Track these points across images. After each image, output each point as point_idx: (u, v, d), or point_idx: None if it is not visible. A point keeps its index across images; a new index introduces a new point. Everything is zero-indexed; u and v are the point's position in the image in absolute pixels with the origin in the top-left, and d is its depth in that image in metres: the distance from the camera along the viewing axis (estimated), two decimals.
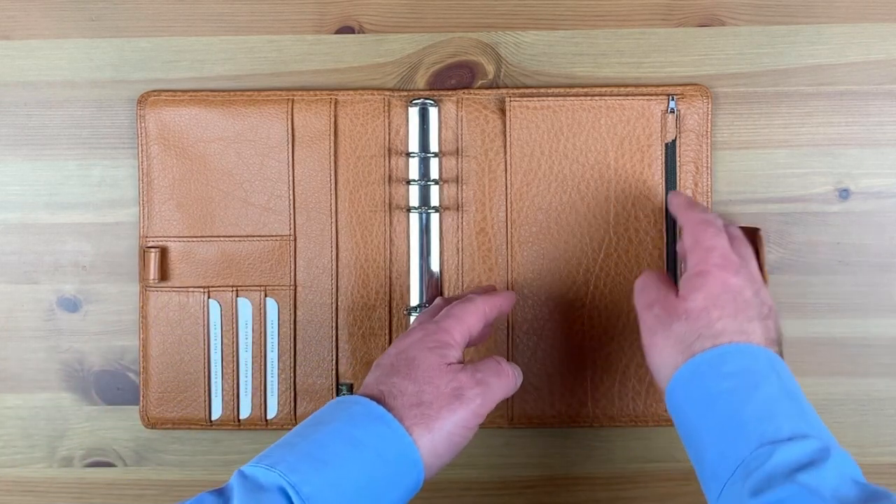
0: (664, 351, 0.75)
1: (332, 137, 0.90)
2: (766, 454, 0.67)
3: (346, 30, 0.91)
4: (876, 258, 0.90)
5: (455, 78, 0.91)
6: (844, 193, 0.90)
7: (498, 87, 0.91)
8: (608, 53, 0.91)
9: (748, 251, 0.79)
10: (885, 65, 0.90)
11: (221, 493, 0.67)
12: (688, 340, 0.74)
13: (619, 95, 0.89)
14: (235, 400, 0.90)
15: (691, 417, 0.73)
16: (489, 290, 0.87)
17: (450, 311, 0.78)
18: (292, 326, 0.90)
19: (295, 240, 0.90)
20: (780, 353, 0.74)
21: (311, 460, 0.68)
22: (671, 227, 0.88)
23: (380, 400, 0.72)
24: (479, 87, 0.91)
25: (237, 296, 0.90)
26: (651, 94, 0.89)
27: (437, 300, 0.84)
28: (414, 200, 0.89)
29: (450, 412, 0.72)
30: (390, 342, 0.90)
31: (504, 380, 0.77)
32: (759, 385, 0.70)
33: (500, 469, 0.92)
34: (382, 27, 0.91)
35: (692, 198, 0.87)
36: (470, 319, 0.78)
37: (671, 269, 0.88)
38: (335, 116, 0.90)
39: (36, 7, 0.92)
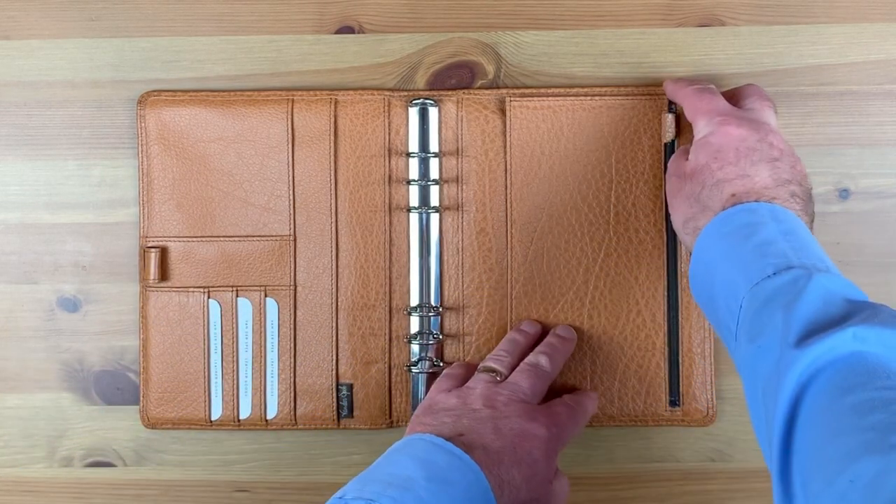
0: (678, 209, 0.80)
1: (332, 137, 0.89)
2: (752, 294, 0.69)
3: (345, 30, 0.91)
4: (876, 258, 0.90)
5: (455, 78, 0.91)
6: (844, 193, 0.90)
7: (498, 87, 0.91)
8: (608, 53, 0.91)
9: (760, 103, 0.81)
10: (885, 65, 0.90)
11: None
12: (694, 193, 0.77)
13: (619, 95, 0.89)
14: (235, 400, 0.90)
15: (704, 283, 0.76)
16: (556, 343, 0.88)
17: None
18: (292, 326, 0.90)
19: (295, 240, 0.90)
20: (802, 193, 0.76)
21: (400, 489, 0.69)
22: (671, 228, 0.88)
23: (491, 483, 0.73)
24: (479, 87, 0.91)
25: (237, 296, 0.90)
26: (651, 94, 0.89)
27: (519, 377, 0.83)
28: (414, 200, 0.89)
29: (520, 465, 0.75)
30: (390, 342, 0.90)
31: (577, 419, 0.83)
32: (754, 234, 0.72)
33: None
34: (382, 27, 0.91)
35: (682, 78, 0.88)
36: (541, 381, 0.83)
37: (671, 270, 0.88)
38: (335, 116, 0.90)
39: (36, 7, 0.92)
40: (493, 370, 0.83)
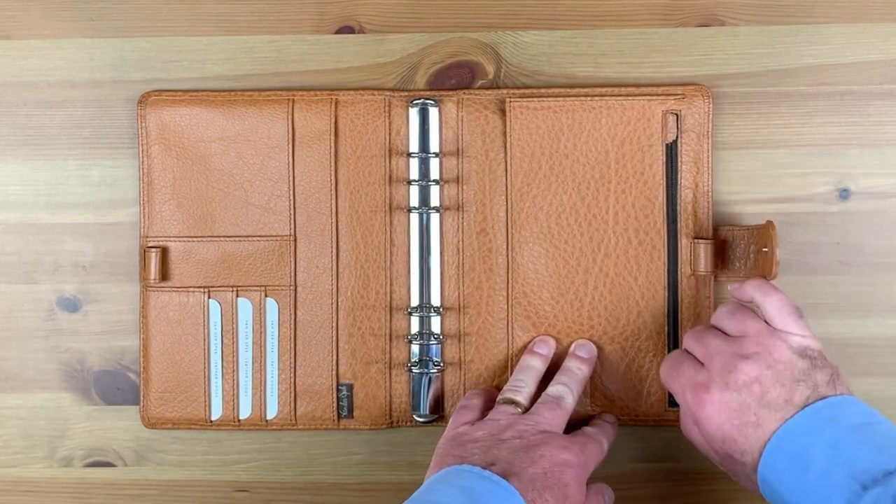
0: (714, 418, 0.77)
1: (333, 137, 0.89)
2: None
3: (345, 30, 0.91)
4: (876, 258, 0.90)
5: (455, 78, 0.91)
6: (844, 193, 0.90)
7: (498, 88, 0.91)
8: (608, 53, 0.91)
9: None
10: (885, 65, 0.90)
11: None
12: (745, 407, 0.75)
13: (620, 96, 0.89)
14: (235, 400, 0.90)
15: (784, 484, 0.73)
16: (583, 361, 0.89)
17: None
18: (292, 326, 0.90)
19: (295, 240, 0.90)
20: (809, 368, 0.75)
21: None
22: (671, 228, 0.88)
23: None
24: (479, 88, 0.91)
25: (237, 296, 0.90)
26: (652, 95, 0.89)
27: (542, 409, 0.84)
28: (414, 201, 0.89)
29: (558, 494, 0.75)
30: (390, 342, 0.90)
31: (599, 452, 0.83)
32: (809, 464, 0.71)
33: None
34: (382, 27, 0.91)
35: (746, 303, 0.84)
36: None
37: (671, 270, 0.88)
38: (336, 116, 0.90)
39: (36, 7, 0.92)
40: (513, 402, 0.83)
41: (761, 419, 0.74)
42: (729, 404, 0.75)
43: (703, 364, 0.78)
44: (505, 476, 0.74)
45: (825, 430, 0.71)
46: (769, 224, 0.82)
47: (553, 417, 0.82)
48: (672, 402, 0.89)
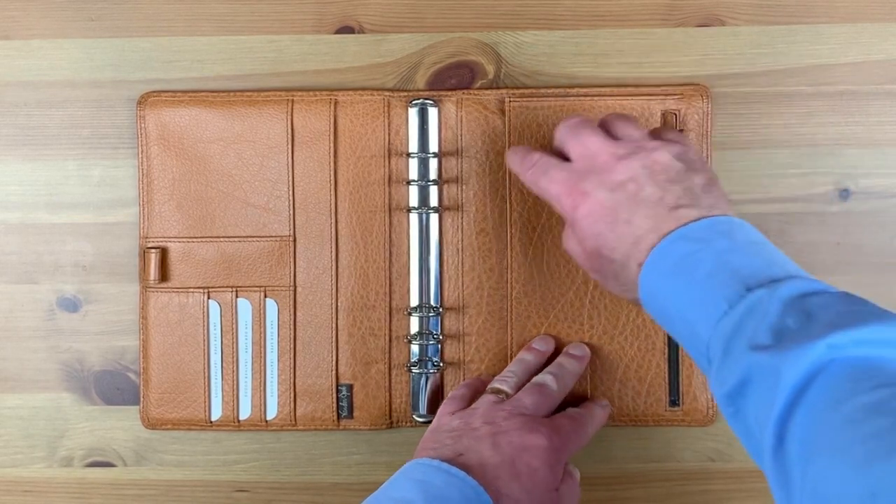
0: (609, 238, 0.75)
1: (332, 138, 0.89)
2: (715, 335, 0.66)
3: (345, 30, 0.91)
4: (876, 258, 0.90)
5: (455, 78, 0.91)
6: (844, 193, 0.90)
7: (498, 88, 0.91)
8: (608, 53, 0.91)
9: (621, 123, 0.78)
10: (885, 65, 0.90)
11: None
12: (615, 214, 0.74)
13: (619, 95, 0.89)
14: (235, 400, 0.90)
15: (668, 287, 0.71)
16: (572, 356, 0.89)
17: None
18: (292, 327, 0.90)
19: (294, 240, 0.90)
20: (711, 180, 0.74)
21: None
22: None
23: (491, 496, 0.74)
24: (480, 88, 0.91)
25: (237, 296, 0.90)
26: (651, 94, 0.89)
27: (525, 397, 0.83)
28: (414, 201, 0.89)
29: (518, 481, 0.76)
30: (390, 343, 0.90)
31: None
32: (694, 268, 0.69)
33: None
34: (382, 27, 0.91)
35: (516, 149, 0.84)
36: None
37: None
38: (335, 117, 0.90)
39: (36, 7, 0.92)
40: (498, 391, 0.83)
41: (632, 216, 0.72)
42: (604, 203, 0.74)
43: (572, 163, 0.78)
44: (468, 467, 0.74)
45: (718, 240, 0.69)
46: None
47: (533, 402, 0.81)
48: (672, 403, 0.89)
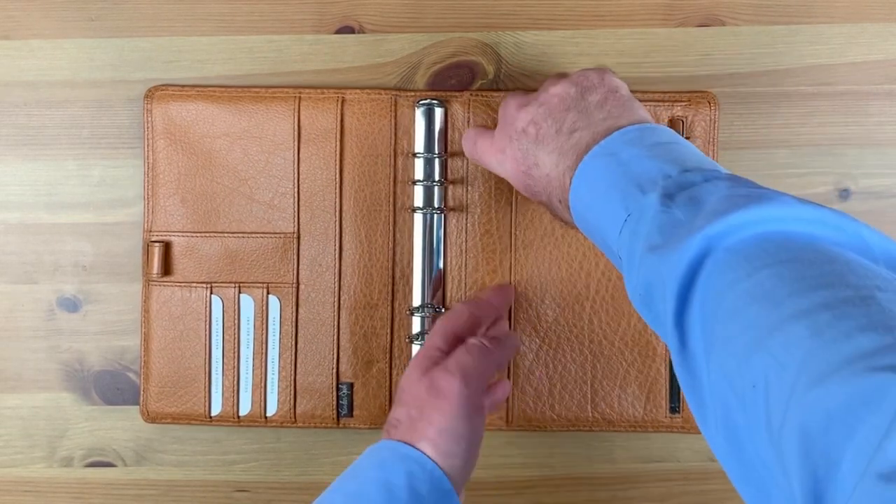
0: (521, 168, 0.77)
1: (339, 136, 0.90)
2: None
3: (345, 30, 0.91)
4: None
5: (455, 78, 0.91)
6: (844, 193, 0.90)
7: (498, 88, 0.91)
8: (608, 53, 0.91)
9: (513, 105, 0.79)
10: (885, 65, 0.90)
11: None
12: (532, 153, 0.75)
13: None
14: (235, 396, 0.90)
15: (594, 190, 0.70)
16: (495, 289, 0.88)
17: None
18: (294, 324, 0.90)
19: (298, 237, 0.90)
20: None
21: None
22: None
23: (417, 448, 0.74)
24: (480, 88, 0.91)
25: (240, 292, 0.90)
26: (658, 100, 0.89)
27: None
28: (419, 201, 0.89)
29: (435, 412, 0.74)
30: (392, 342, 0.90)
31: (474, 352, 0.78)
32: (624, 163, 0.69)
33: (500, 469, 0.92)
34: (382, 27, 0.91)
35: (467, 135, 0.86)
36: (453, 324, 0.80)
37: None
38: (342, 115, 0.90)
39: (36, 7, 0.92)
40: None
41: (538, 158, 0.74)
42: (515, 154, 0.76)
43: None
44: (391, 432, 0.76)
45: (626, 149, 0.69)
46: None
47: (438, 326, 0.81)
48: (672, 409, 0.89)
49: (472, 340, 0.79)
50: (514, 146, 0.76)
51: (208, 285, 0.90)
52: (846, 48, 0.90)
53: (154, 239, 0.90)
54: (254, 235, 0.90)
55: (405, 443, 0.74)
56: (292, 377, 0.90)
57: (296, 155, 0.90)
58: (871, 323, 0.48)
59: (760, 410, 0.51)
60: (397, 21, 0.92)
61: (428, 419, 0.74)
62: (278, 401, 0.90)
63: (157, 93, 0.90)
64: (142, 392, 0.91)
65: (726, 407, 0.55)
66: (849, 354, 0.47)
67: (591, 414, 0.89)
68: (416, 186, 0.89)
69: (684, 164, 0.66)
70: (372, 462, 0.74)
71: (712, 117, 0.89)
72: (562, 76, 0.77)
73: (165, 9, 0.92)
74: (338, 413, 0.90)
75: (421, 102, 0.89)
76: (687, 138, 0.88)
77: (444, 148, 0.90)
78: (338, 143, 0.90)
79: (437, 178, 0.89)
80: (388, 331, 0.90)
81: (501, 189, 0.89)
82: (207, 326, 0.90)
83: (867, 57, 0.90)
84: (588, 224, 0.71)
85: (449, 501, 0.73)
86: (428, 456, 0.73)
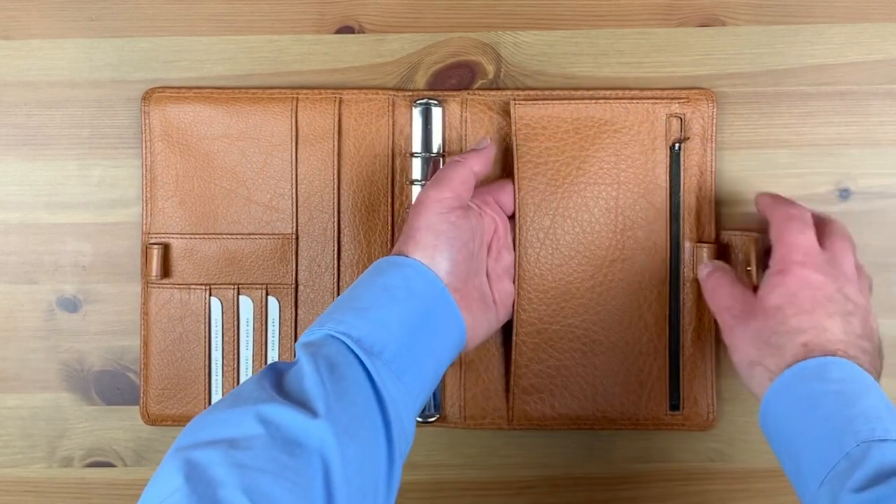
0: (741, 350, 0.78)
1: (337, 136, 0.89)
2: (871, 451, 0.67)
3: (345, 30, 0.91)
4: (876, 258, 0.90)
5: (455, 78, 0.91)
6: (844, 193, 0.90)
7: (498, 88, 0.91)
8: (608, 53, 0.91)
9: (842, 245, 0.80)
10: (885, 65, 0.90)
11: (291, 363, 0.72)
12: (763, 337, 0.76)
13: (625, 99, 0.89)
14: None
15: (789, 420, 0.73)
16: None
17: (438, 177, 0.81)
18: (293, 325, 0.90)
19: (297, 238, 0.90)
20: (872, 349, 0.75)
21: (352, 311, 0.74)
22: (674, 232, 0.88)
23: (426, 264, 0.77)
24: (479, 88, 0.91)
25: (239, 294, 0.90)
26: (656, 98, 0.89)
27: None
28: None
29: (415, 216, 0.79)
30: None
31: (452, 163, 0.83)
32: (865, 392, 0.71)
33: (500, 469, 0.92)
34: (382, 27, 0.91)
35: (778, 194, 0.85)
36: (457, 176, 0.81)
37: (674, 274, 0.88)
38: (339, 115, 0.90)
39: (36, 7, 0.92)
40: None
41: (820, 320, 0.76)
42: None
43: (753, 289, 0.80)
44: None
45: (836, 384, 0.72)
46: (750, 240, 0.83)
47: (448, 178, 0.82)
48: (673, 407, 0.89)
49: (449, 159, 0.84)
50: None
51: (207, 287, 0.90)
52: (846, 48, 0.90)
53: (153, 241, 0.90)
54: (252, 237, 0.90)
55: (397, 254, 0.78)
56: None
57: (294, 156, 0.90)
58: None
59: None
60: (397, 21, 0.91)
61: (409, 224, 0.79)
62: None
63: (154, 94, 0.90)
64: (142, 394, 0.91)
65: None
66: None
67: (591, 412, 0.89)
68: (414, 186, 0.89)
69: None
70: (370, 273, 0.77)
71: (710, 115, 0.89)
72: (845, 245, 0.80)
73: (165, 9, 0.92)
74: None
75: (418, 102, 0.89)
76: (686, 137, 0.88)
77: (442, 147, 0.90)
78: (336, 143, 0.90)
79: None
80: None
81: None
82: (207, 328, 0.90)
83: (867, 57, 0.90)
84: (781, 424, 0.74)
85: (443, 297, 0.77)
86: (418, 259, 0.77)
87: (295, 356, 0.72)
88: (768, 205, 0.83)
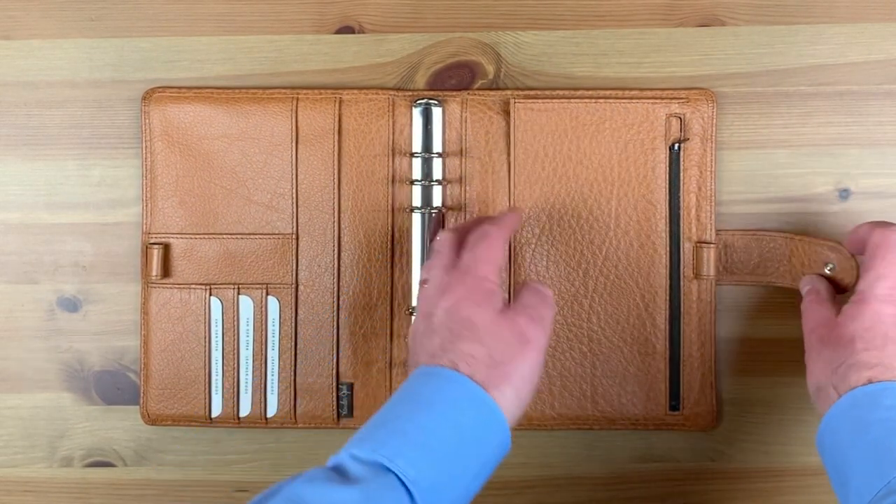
0: (814, 372, 0.78)
1: (336, 136, 0.89)
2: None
3: (345, 30, 0.91)
4: None
5: (455, 78, 0.91)
6: (844, 193, 0.90)
7: (498, 88, 0.91)
8: (608, 53, 0.91)
9: None
10: (885, 65, 0.90)
11: (339, 471, 0.68)
12: (833, 365, 0.76)
13: (624, 98, 0.89)
14: (235, 398, 0.90)
15: (842, 444, 0.73)
16: (494, 218, 0.84)
17: (476, 255, 0.76)
18: (293, 325, 0.90)
19: (297, 238, 0.90)
20: None
21: (424, 451, 0.69)
22: (673, 232, 0.88)
23: (455, 370, 0.72)
24: (480, 88, 0.91)
25: (239, 293, 0.90)
26: (656, 98, 0.89)
27: (445, 235, 0.81)
28: (417, 201, 0.89)
29: (523, 360, 0.74)
30: (391, 342, 0.90)
31: (549, 305, 0.78)
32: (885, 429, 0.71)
33: (500, 469, 0.91)
34: (382, 27, 0.91)
35: (888, 222, 0.83)
36: (497, 255, 0.78)
37: (673, 274, 0.88)
38: (339, 115, 0.90)
39: (36, 7, 0.92)
40: (423, 281, 0.80)
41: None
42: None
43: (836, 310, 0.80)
44: (473, 375, 0.72)
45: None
46: (853, 267, 0.84)
47: (438, 272, 0.78)
48: (673, 407, 0.89)
49: (542, 289, 0.79)
50: None
51: (207, 287, 0.90)
52: (846, 48, 0.90)
53: (153, 241, 0.90)
54: (252, 236, 0.90)
55: (479, 384, 0.72)
56: (292, 378, 0.90)
57: (294, 156, 0.90)
58: None
59: None
60: (397, 21, 0.92)
61: (515, 366, 0.73)
62: (278, 402, 0.90)
63: (154, 94, 0.90)
64: (142, 394, 0.91)
65: None
66: None
67: (591, 412, 0.89)
68: (414, 186, 0.89)
69: None
70: (444, 397, 0.72)
71: (710, 115, 0.89)
72: None
73: (165, 9, 0.92)
74: (338, 413, 0.90)
75: (418, 102, 0.89)
76: (685, 137, 0.88)
77: (442, 147, 0.90)
78: (336, 143, 0.90)
79: (434, 177, 0.89)
80: (388, 331, 0.90)
81: (499, 188, 0.89)
82: (207, 328, 0.90)
83: (867, 57, 0.90)
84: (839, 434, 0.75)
85: (502, 455, 0.74)
86: (501, 407, 0.72)
87: (340, 460, 0.69)
88: (871, 227, 0.81)
